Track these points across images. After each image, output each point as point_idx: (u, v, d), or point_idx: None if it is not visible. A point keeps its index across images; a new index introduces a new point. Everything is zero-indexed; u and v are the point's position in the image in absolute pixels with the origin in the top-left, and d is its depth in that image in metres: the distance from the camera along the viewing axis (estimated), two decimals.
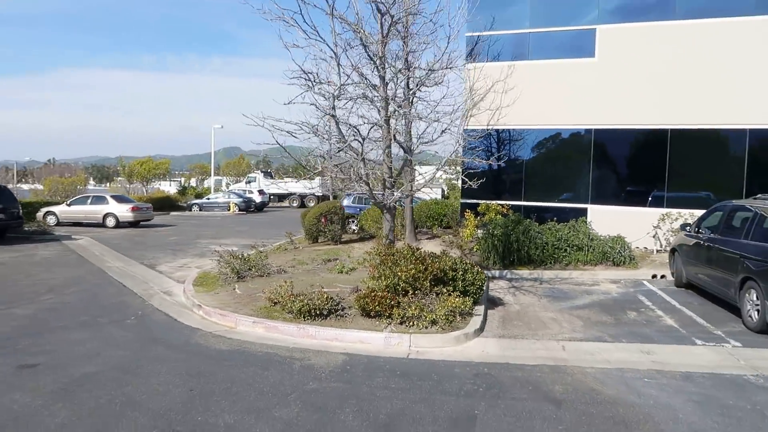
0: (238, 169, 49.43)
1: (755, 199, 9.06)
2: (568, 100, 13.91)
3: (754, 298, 7.78)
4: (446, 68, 9.90)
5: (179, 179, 47.54)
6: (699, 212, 12.71)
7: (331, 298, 8.08)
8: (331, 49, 8.03)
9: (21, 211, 18.64)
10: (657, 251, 13.44)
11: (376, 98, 8.82)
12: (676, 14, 13.21)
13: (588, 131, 14.03)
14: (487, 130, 13.25)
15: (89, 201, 24.16)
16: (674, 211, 13.19)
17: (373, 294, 7.78)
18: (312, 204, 43.65)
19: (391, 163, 9.09)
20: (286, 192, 43.80)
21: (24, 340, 7.09)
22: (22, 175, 68.24)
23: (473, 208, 14.22)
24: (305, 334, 7.53)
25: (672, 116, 13.34)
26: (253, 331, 7.86)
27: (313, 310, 7.84)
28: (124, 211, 23.54)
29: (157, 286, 11.13)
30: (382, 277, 8.16)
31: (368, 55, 8.34)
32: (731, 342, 7.33)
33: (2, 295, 9.95)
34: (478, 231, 13.12)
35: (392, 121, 8.89)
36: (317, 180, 45.09)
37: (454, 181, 31.12)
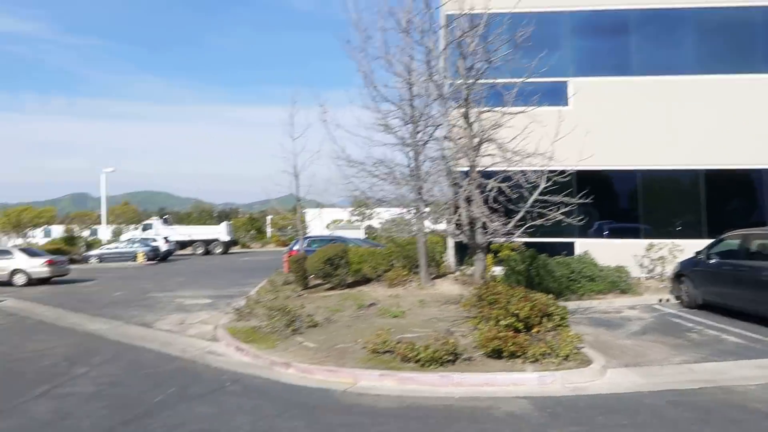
0: (124, 217, 45.05)
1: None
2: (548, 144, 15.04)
3: None
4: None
5: (45, 229, 41.49)
6: (679, 242, 14.41)
7: (453, 343, 7.77)
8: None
9: None
10: (645, 278, 14.84)
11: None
12: None
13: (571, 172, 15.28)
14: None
15: None
16: (656, 241, 14.75)
17: (503, 335, 7.65)
18: (219, 250, 41.27)
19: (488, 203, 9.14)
20: (188, 239, 40.81)
21: (151, 420, 5.87)
22: None
23: None
24: (449, 382, 7.15)
25: (641, 159, 15.15)
26: (381, 384, 7.26)
27: (443, 357, 7.50)
28: (37, 266, 20.31)
29: (191, 347, 9.78)
30: (499, 318, 8.06)
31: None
32: None
33: (9, 377, 8.13)
34: (494, 268, 13.47)
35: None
36: (223, 225, 42.92)
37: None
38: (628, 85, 15.40)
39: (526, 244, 15.01)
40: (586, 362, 7.66)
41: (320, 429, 5.56)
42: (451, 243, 19.19)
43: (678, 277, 12.57)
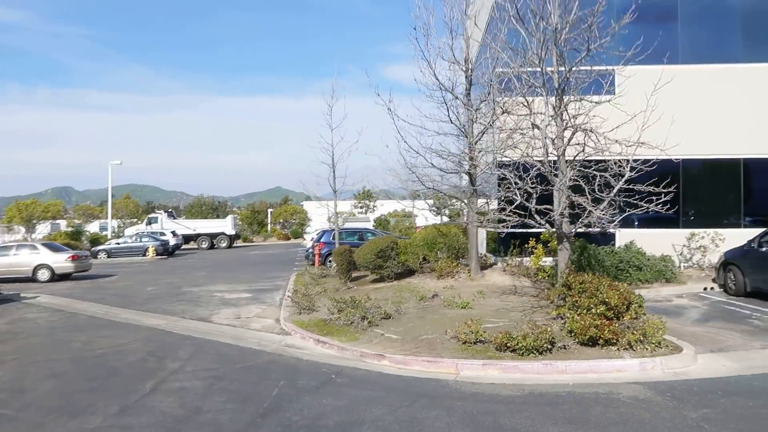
0: (125, 210, 44.42)
1: None
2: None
3: None
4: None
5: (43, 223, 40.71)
6: (722, 231, 14.75)
7: (551, 332, 7.93)
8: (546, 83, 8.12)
9: None
10: (684, 266, 15.16)
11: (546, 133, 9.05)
12: None
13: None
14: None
15: (13, 251, 20.19)
16: (699, 230, 15.06)
17: (599, 323, 7.83)
18: (224, 244, 41.04)
19: (569, 195, 9.28)
20: (193, 233, 40.46)
21: (287, 412, 5.93)
22: None
23: (519, 237, 14.73)
24: (554, 370, 7.31)
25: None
26: (485, 374, 7.39)
27: (543, 346, 7.65)
28: (61, 261, 20.08)
29: (266, 341, 9.83)
30: (590, 306, 8.22)
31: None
32: None
33: (104, 373, 8.11)
34: (545, 258, 13.65)
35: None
36: (229, 219, 42.68)
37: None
38: (671, 73, 15.66)
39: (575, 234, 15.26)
40: (677, 348, 7.88)
41: (463, 417, 5.67)
42: (482, 235, 19.38)
43: (724, 266, 12.88)
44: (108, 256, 31.79)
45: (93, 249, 32.56)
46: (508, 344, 7.75)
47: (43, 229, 40.98)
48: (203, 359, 8.53)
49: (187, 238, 40.56)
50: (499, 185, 13.86)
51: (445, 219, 47.40)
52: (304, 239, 37.73)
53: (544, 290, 12.10)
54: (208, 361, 8.38)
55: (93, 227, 43.66)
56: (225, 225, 41.23)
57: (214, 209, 61.57)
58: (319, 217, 54.99)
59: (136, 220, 42.11)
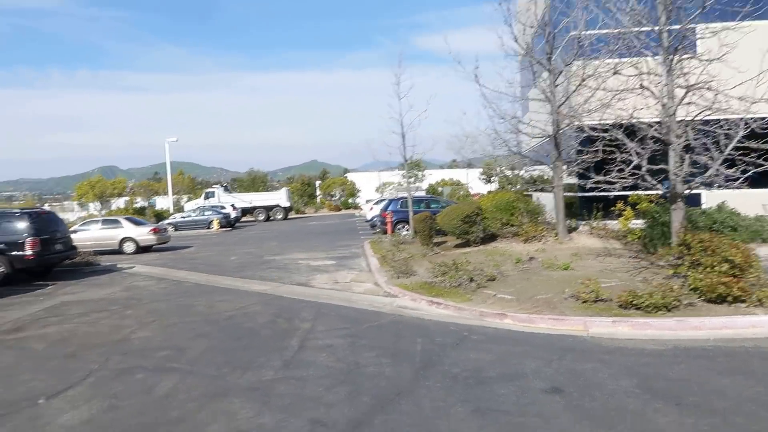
0: (180, 186, 45.73)
1: None
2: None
3: None
4: None
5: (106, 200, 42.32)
6: None
7: (678, 289, 8.00)
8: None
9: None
10: None
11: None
12: None
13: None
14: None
15: (100, 225, 21.24)
16: None
17: (727, 281, 7.85)
18: (279, 216, 41.89)
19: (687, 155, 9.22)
20: (249, 206, 41.42)
21: (442, 366, 6.24)
22: None
23: (602, 200, 14.66)
24: (688, 326, 7.40)
25: None
26: (615, 330, 7.53)
27: (671, 303, 7.74)
28: (144, 234, 21.04)
29: (377, 303, 10.17)
30: (714, 264, 8.23)
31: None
32: None
33: (244, 333, 8.59)
34: (635, 221, 13.59)
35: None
36: (283, 191, 43.45)
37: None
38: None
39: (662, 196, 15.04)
40: None
41: (622, 369, 5.86)
42: (551, 200, 19.30)
43: None
44: (175, 230, 32.93)
45: (160, 223, 33.81)
46: (634, 302, 7.87)
47: (95, 207, 42.52)
48: (328, 320, 8.94)
49: (244, 211, 41.52)
50: (579, 150, 13.78)
51: (495, 186, 47.33)
52: (361, 209, 38.13)
53: (642, 251, 12.10)
54: (335, 321, 8.79)
55: (162, 202, 45.21)
56: (280, 197, 42.00)
57: (262, 183, 62.68)
58: (367, 188, 55.69)
59: (191, 195, 43.32)
